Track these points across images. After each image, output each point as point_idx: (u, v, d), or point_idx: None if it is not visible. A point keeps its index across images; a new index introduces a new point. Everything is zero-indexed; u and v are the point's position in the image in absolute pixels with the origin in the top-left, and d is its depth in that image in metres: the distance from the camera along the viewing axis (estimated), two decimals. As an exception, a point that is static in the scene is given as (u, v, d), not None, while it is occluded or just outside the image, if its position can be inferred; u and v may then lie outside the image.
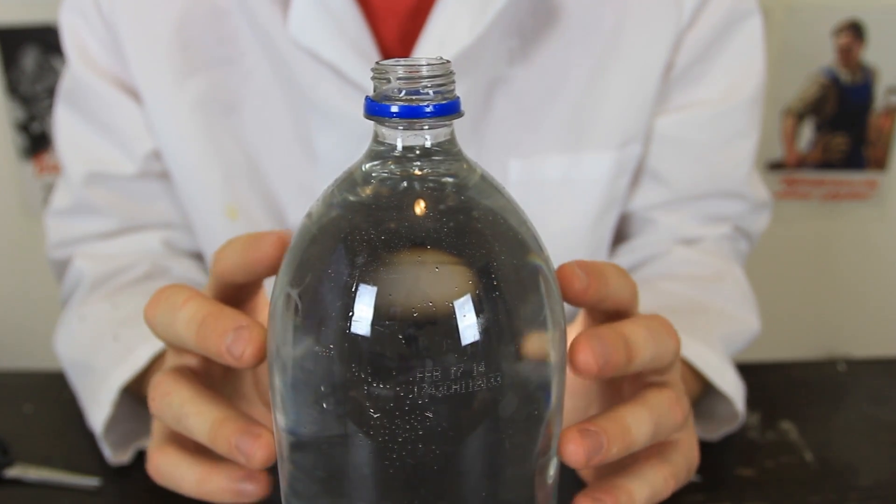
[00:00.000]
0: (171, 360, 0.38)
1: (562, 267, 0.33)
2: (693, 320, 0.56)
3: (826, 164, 1.30)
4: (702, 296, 0.59)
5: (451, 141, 0.30)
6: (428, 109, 0.28)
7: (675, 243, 0.65)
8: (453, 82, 0.28)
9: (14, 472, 0.50)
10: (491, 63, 0.58)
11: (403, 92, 0.28)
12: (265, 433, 0.33)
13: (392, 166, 0.29)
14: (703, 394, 0.54)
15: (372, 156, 0.30)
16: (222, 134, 0.61)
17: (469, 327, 0.27)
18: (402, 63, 0.28)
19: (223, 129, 0.61)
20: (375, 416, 0.27)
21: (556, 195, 0.62)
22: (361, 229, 0.28)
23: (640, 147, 0.63)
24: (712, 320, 0.57)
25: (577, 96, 0.61)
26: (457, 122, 0.29)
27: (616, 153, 0.61)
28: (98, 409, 0.50)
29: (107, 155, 0.63)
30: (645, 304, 0.47)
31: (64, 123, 0.64)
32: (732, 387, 0.51)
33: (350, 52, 0.56)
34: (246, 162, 0.62)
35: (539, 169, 0.62)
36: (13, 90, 1.21)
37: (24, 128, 1.23)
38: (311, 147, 0.60)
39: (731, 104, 0.63)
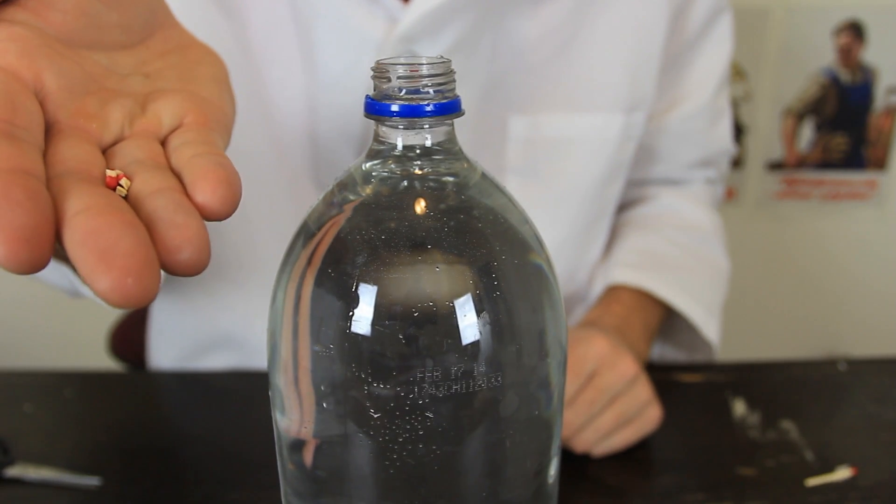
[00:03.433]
0: None
1: None
2: (690, 274, 0.68)
3: (826, 164, 1.30)
4: (699, 247, 0.70)
5: (452, 140, 0.30)
6: (428, 108, 0.28)
7: (662, 185, 0.73)
8: (454, 81, 0.28)
9: (14, 471, 0.50)
10: (500, 7, 0.59)
11: (404, 91, 0.28)
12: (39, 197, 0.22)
13: (392, 165, 0.29)
14: (686, 331, 0.68)
15: (372, 155, 0.30)
16: (223, 33, 0.59)
17: (469, 327, 0.27)
18: (403, 62, 0.28)
19: (224, 28, 0.59)
20: (376, 415, 0.27)
21: (565, 154, 0.64)
22: (362, 228, 0.28)
23: (644, 115, 0.65)
24: (706, 274, 0.69)
25: (586, 59, 0.62)
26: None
27: (624, 117, 0.64)
28: None
29: None
30: (651, 247, 0.69)
31: None
32: (714, 334, 0.66)
33: None
34: (244, 60, 0.60)
35: (545, 127, 0.63)
36: (13, 90, 1.21)
37: (23, 128, 1.23)
38: (311, 58, 0.59)
39: (713, 87, 0.69)
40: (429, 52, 0.57)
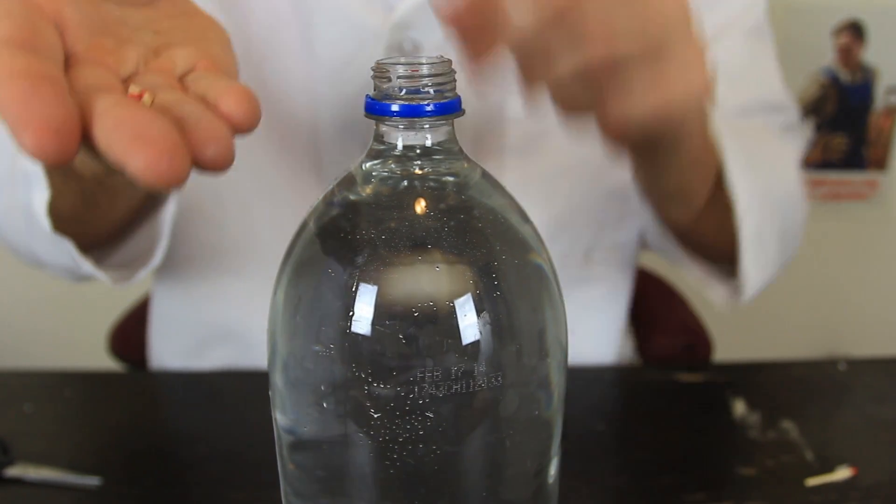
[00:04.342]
0: None
1: None
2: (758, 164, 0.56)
3: (826, 164, 1.30)
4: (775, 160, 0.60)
5: (452, 140, 0.30)
6: (428, 108, 0.28)
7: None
8: (454, 81, 0.28)
9: (14, 471, 0.50)
10: None
11: (404, 91, 0.28)
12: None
13: (392, 165, 0.29)
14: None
15: (372, 155, 0.30)
16: (224, 26, 0.59)
17: (470, 326, 0.27)
18: (403, 62, 0.28)
19: (225, 22, 0.59)
20: (376, 415, 0.27)
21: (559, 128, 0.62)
22: (362, 228, 0.28)
23: None
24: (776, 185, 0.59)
25: None
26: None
27: None
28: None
29: None
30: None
31: None
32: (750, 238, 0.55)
33: None
34: (245, 53, 0.60)
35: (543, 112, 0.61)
36: (13, 90, 1.21)
37: (23, 128, 1.23)
38: (311, 49, 0.59)
39: (749, 25, 0.64)
40: (426, 38, 0.57)
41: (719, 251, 0.61)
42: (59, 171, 0.49)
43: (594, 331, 0.68)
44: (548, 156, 0.63)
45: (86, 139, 0.23)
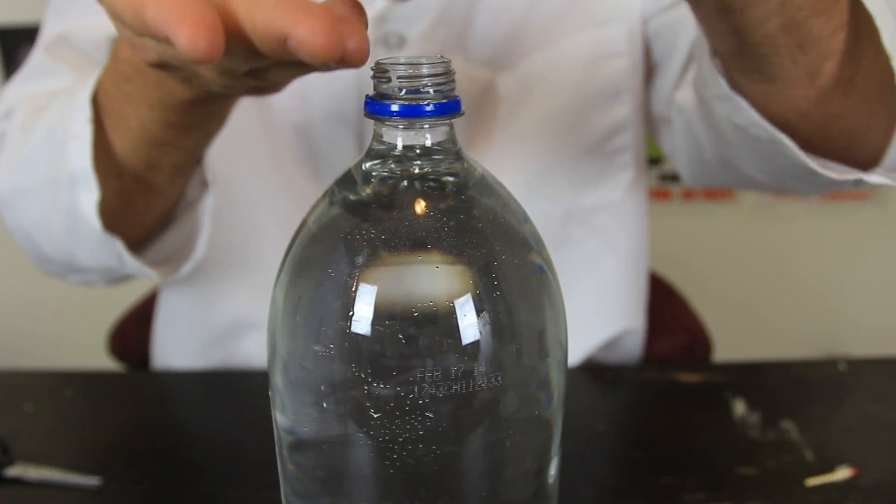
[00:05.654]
0: None
1: None
2: None
3: (826, 163, 1.29)
4: None
5: (452, 140, 0.30)
6: (428, 108, 0.28)
7: None
8: (453, 81, 0.28)
9: (14, 471, 0.50)
10: None
11: (404, 91, 0.28)
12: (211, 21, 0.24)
13: (392, 165, 0.29)
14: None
15: (372, 155, 0.30)
16: None
17: (469, 326, 0.27)
18: (403, 62, 0.28)
19: None
20: (376, 415, 0.27)
21: (548, 90, 0.61)
22: (362, 228, 0.28)
23: (623, 26, 0.61)
24: None
25: (556, 3, 0.60)
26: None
27: (592, 32, 0.60)
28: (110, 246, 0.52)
29: (88, 21, 0.59)
30: None
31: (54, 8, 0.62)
32: None
33: None
34: None
35: (529, 72, 0.61)
36: (13, 90, 1.21)
37: (23, 128, 1.23)
38: None
39: None
40: (409, 32, 0.57)
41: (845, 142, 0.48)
42: (102, 168, 0.49)
43: (575, 296, 0.64)
44: (524, 114, 0.62)
45: (231, 36, 0.25)
